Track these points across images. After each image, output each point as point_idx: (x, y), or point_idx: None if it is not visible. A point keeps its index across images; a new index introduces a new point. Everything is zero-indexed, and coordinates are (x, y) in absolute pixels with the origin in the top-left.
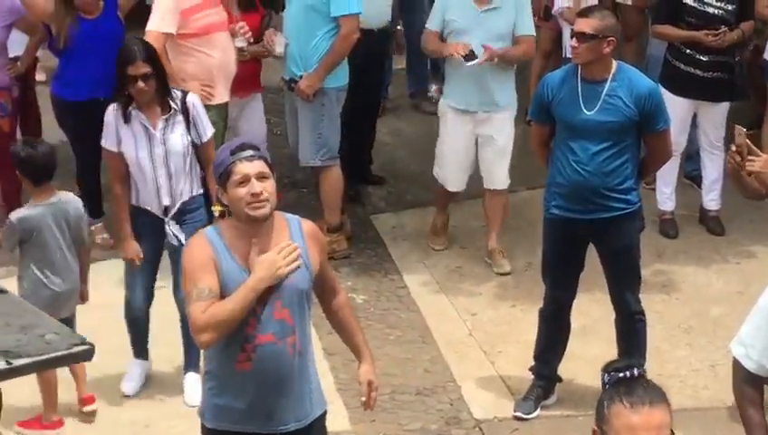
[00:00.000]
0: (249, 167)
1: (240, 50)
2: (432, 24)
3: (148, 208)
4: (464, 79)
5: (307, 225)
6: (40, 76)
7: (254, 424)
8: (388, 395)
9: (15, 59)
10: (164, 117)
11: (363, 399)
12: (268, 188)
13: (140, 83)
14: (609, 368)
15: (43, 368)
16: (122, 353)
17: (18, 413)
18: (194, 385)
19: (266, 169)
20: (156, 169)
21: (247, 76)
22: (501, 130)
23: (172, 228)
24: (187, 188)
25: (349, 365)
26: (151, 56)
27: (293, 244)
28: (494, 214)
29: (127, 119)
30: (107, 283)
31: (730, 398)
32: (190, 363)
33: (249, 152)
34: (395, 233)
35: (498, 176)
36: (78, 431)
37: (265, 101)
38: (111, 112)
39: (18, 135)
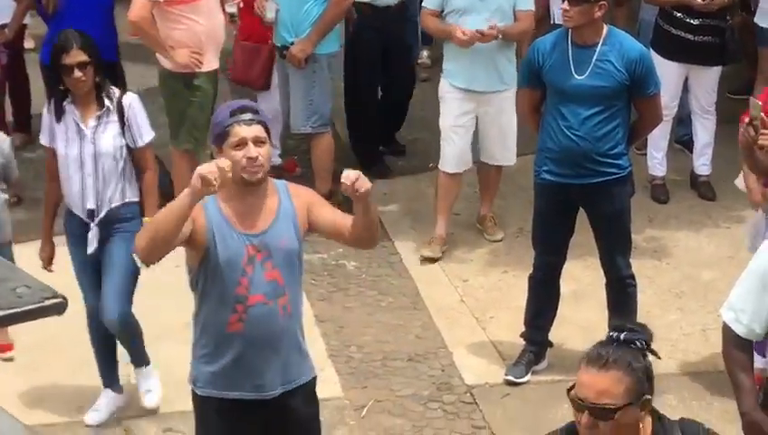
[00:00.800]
0: (247, 130)
1: (231, 15)
2: (430, 2)
3: (74, 210)
4: (469, 59)
5: (292, 186)
6: (28, 44)
7: (243, 390)
8: (380, 361)
9: (3, 26)
10: (97, 114)
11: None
12: (264, 153)
13: (77, 72)
14: (616, 328)
15: (14, 321)
16: None
17: None
18: (148, 377)
19: (264, 134)
20: (84, 169)
21: None
22: (504, 109)
23: (92, 234)
24: (118, 195)
25: (340, 332)
26: (89, 44)
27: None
28: (488, 184)
29: (60, 114)
30: None
31: (721, 362)
32: (137, 360)
33: (248, 115)
34: (386, 200)
35: (503, 153)
36: (70, 399)
37: None
38: (46, 106)
39: (7, 102)
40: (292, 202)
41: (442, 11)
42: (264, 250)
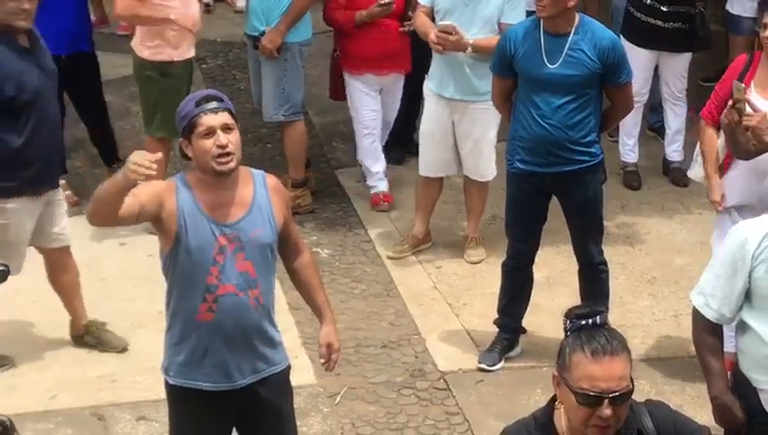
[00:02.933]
0: (214, 119)
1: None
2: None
3: None
4: (443, 63)
5: (271, 179)
6: None
7: (214, 381)
8: (353, 349)
9: None
10: None
11: (322, 361)
12: (233, 139)
13: None
14: (571, 314)
15: None
16: (89, 309)
17: None
18: None
19: (231, 121)
20: None
21: (391, 53)
22: (476, 121)
23: None
24: None
25: (314, 320)
26: None
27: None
28: (470, 200)
29: None
30: (71, 239)
31: (692, 347)
32: None
33: (214, 104)
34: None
35: (478, 168)
36: (42, 387)
37: (230, 55)
38: None
39: None
40: (268, 194)
41: (432, 9)
42: (235, 241)
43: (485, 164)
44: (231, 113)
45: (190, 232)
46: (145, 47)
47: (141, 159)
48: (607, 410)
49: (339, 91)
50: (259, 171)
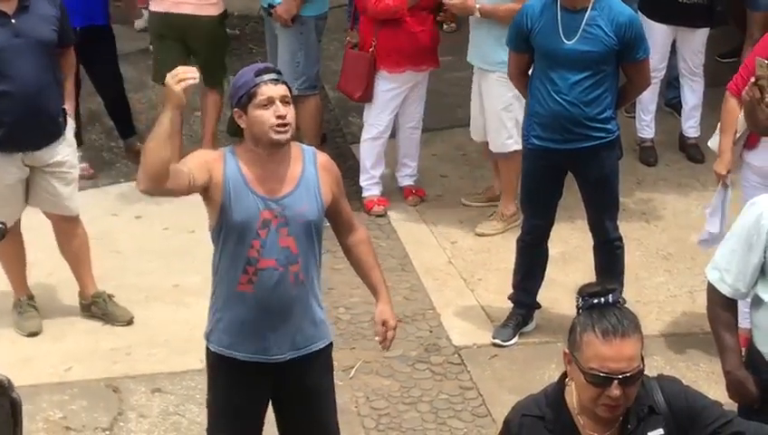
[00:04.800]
0: (274, 89)
1: None
2: None
3: None
4: (470, 30)
5: (322, 156)
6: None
7: (251, 352)
8: (368, 323)
9: None
10: None
11: (378, 338)
12: (291, 112)
13: None
14: (584, 292)
15: None
16: (104, 281)
17: None
18: None
19: (288, 94)
20: None
21: (425, 46)
22: (487, 92)
23: None
24: None
25: (328, 294)
26: None
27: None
28: (501, 176)
29: None
30: (87, 212)
31: (707, 323)
32: None
33: (273, 75)
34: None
35: (494, 139)
36: (57, 360)
37: (246, 29)
38: None
39: None
40: (317, 172)
41: None
42: (280, 216)
43: (501, 134)
44: (289, 87)
45: (234, 205)
46: (212, 6)
47: (178, 73)
48: (616, 391)
49: (368, 93)
50: (310, 147)
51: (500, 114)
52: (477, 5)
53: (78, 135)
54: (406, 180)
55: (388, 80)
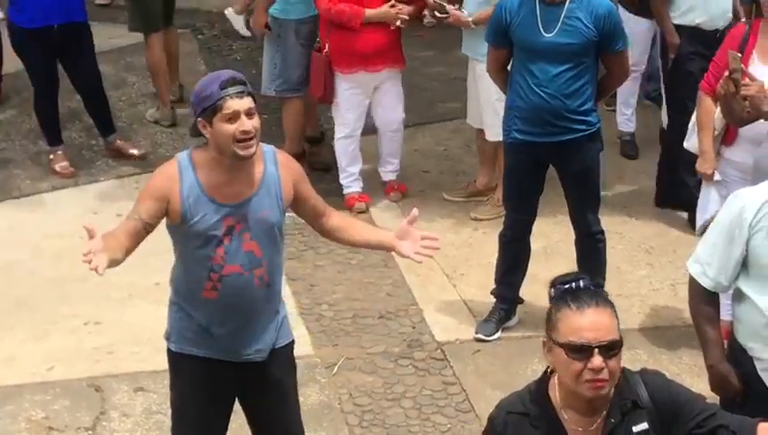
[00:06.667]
0: (239, 103)
1: None
2: None
3: None
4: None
5: (281, 155)
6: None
7: (216, 351)
8: (351, 319)
9: None
10: None
11: (424, 247)
12: (256, 125)
13: None
14: (556, 282)
15: None
16: (85, 280)
17: None
18: None
19: (253, 106)
20: None
21: (378, 47)
22: (484, 83)
23: None
24: None
25: (311, 290)
26: None
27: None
28: (497, 163)
29: None
30: (67, 210)
31: (689, 316)
32: None
33: (239, 88)
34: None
35: (490, 127)
36: (39, 359)
37: (226, 25)
38: None
39: None
40: (278, 172)
41: None
42: (242, 222)
43: (490, 121)
44: (254, 98)
45: (196, 218)
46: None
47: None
48: (597, 361)
49: (328, 94)
50: (270, 147)
51: (494, 105)
52: (470, 18)
53: (58, 134)
54: (389, 175)
55: (343, 80)
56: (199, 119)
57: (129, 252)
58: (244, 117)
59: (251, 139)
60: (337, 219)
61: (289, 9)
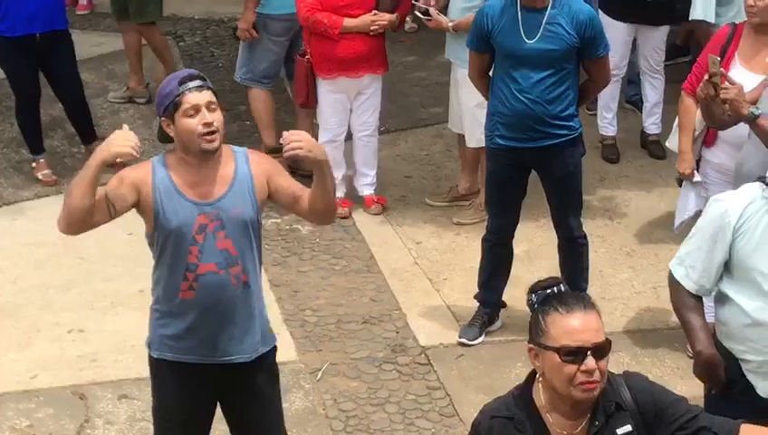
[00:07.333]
0: (199, 97)
1: None
2: None
3: None
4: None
5: (253, 153)
6: None
7: (197, 354)
8: (335, 324)
9: None
10: None
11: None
12: (218, 118)
13: None
14: (535, 287)
15: None
16: (69, 287)
17: None
18: None
19: (214, 99)
20: None
21: (358, 54)
22: (464, 89)
23: None
24: None
25: (294, 296)
26: None
27: (133, 135)
28: (463, 159)
29: None
30: (51, 218)
31: (673, 319)
32: None
33: (197, 82)
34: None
35: (470, 134)
36: (22, 367)
37: (207, 32)
38: None
39: None
40: (250, 170)
41: None
42: (216, 220)
43: (470, 128)
44: (214, 92)
45: (169, 214)
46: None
47: (125, 134)
48: (591, 363)
49: (311, 99)
50: (241, 149)
51: (473, 111)
52: (450, 23)
53: (39, 142)
54: (365, 189)
55: (324, 85)
56: (163, 118)
57: (92, 195)
58: (204, 110)
59: (214, 132)
60: (306, 196)
61: (264, 3)
